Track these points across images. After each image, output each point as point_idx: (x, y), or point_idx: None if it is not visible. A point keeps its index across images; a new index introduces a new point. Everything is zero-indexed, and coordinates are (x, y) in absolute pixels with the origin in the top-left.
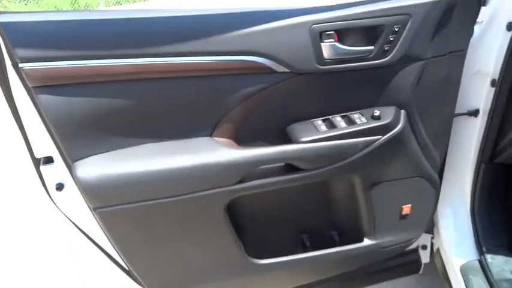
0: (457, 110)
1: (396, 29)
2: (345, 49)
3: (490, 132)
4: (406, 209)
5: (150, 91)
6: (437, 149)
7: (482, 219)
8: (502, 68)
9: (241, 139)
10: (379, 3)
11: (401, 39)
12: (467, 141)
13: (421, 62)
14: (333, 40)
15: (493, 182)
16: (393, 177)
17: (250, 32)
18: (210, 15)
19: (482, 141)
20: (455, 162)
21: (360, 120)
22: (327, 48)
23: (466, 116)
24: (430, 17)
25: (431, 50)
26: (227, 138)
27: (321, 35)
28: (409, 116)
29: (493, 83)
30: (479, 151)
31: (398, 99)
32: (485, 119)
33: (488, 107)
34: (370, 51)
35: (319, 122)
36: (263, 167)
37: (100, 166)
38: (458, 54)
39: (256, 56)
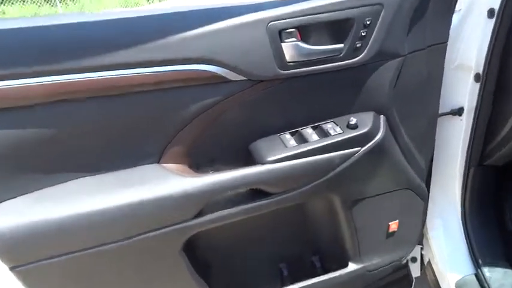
0: (440, 110)
1: (368, 22)
2: (310, 49)
3: (477, 132)
4: (394, 225)
5: (76, 114)
6: (423, 155)
7: (475, 228)
8: (485, 61)
9: (196, 163)
10: None
11: (374, 34)
12: (453, 143)
13: (399, 58)
14: (295, 39)
15: (484, 186)
16: (377, 192)
17: (194, 35)
18: (143, 18)
19: (469, 142)
20: (441, 167)
21: (334, 130)
22: (288, 49)
23: (450, 116)
24: (404, 6)
25: (409, 44)
26: (178, 163)
27: (281, 34)
28: (389, 121)
29: (477, 77)
30: (467, 153)
31: (375, 102)
32: (471, 117)
33: (474, 104)
34: (339, 50)
35: (287, 136)
36: (225, 195)
37: (16, 214)
38: (438, 48)
39: (205, 64)
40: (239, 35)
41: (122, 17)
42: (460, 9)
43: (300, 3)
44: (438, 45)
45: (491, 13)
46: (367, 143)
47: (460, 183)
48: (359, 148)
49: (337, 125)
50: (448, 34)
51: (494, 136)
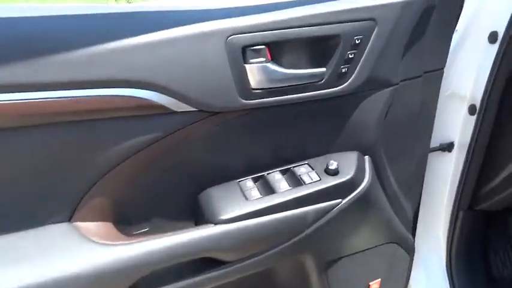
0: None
1: (357, 42)
2: (282, 73)
3: (469, 172)
4: (375, 285)
5: None
6: (410, 201)
7: (460, 278)
8: (484, 92)
9: (124, 221)
10: (331, 2)
11: (364, 56)
12: (440, 182)
13: (391, 88)
14: (263, 59)
15: (473, 232)
16: (357, 249)
17: (125, 47)
18: (49, 18)
19: (459, 183)
20: (426, 210)
21: (310, 177)
22: (254, 72)
23: (438, 152)
24: (401, 23)
25: (403, 70)
26: (99, 221)
27: (245, 52)
28: (375, 163)
29: (472, 110)
30: (456, 195)
31: (360, 140)
32: (463, 155)
33: (467, 140)
34: (320, 75)
35: (248, 183)
36: (165, 266)
37: None
38: (434, 75)
39: (139, 89)
40: (188, 50)
41: (19, 16)
42: (456, 30)
43: (272, 13)
44: (434, 72)
45: (493, 37)
46: (350, 194)
47: (447, 228)
48: (339, 200)
49: (313, 169)
50: (446, 58)
51: (489, 179)
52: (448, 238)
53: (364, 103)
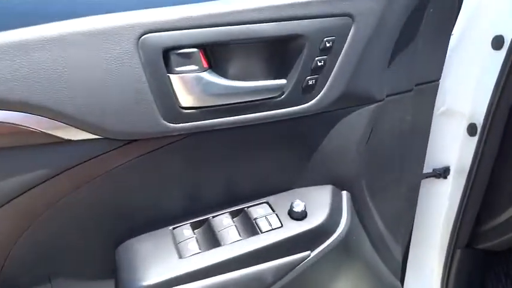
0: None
1: (328, 44)
2: (224, 86)
3: (469, 203)
4: None
5: None
6: (399, 240)
7: None
8: (488, 108)
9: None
10: None
11: (338, 64)
12: (434, 215)
13: (374, 105)
14: (196, 67)
15: (471, 274)
16: None
17: None
18: None
19: (457, 215)
20: (418, 249)
21: (268, 222)
22: (183, 84)
23: (432, 178)
24: (386, 22)
25: (390, 82)
26: None
27: (168, 57)
28: (355, 200)
29: (472, 129)
30: (453, 231)
31: (336, 171)
32: (461, 182)
33: (466, 165)
34: (278, 89)
35: (185, 231)
36: None
37: None
38: (427, 88)
39: (17, 112)
40: (79, 55)
41: None
42: (452, 34)
43: (207, 3)
44: (428, 85)
45: (498, 42)
46: (321, 243)
47: (441, 269)
48: (307, 253)
49: (274, 212)
50: (442, 68)
51: (494, 213)
52: (442, 282)
53: (339, 125)
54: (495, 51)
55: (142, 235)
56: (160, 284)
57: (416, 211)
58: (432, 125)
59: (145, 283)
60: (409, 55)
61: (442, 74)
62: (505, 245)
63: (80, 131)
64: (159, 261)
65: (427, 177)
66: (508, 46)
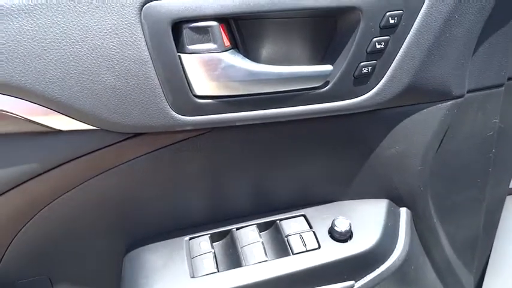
0: None
1: (392, 22)
2: (251, 71)
3: None
4: None
5: None
6: (472, 268)
7: None
8: None
9: None
10: None
11: (402, 49)
12: None
13: (450, 102)
14: (214, 46)
15: None
16: None
17: None
18: None
19: None
20: (495, 276)
21: (302, 242)
22: (198, 67)
23: None
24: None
25: (474, 75)
26: None
27: (179, 32)
28: (418, 219)
29: None
30: None
31: (394, 183)
32: None
33: None
34: (322, 78)
35: (203, 243)
36: None
37: None
38: None
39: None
40: (71, 29)
41: None
42: None
43: None
44: None
45: None
46: (371, 271)
47: None
48: (351, 283)
49: (311, 229)
50: None
51: None
52: None
53: (402, 125)
54: None
55: (154, 243)
56: None
57: (498, 234)
58: None
59: None
60: (501, 42)
61: None
62: None
63: (72, 120)
64: (168, 277)
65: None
66: None
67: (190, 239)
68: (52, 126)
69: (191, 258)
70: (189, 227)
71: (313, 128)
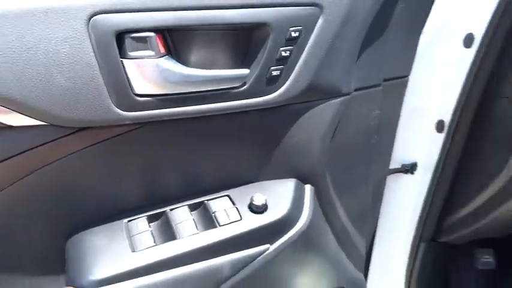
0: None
1: (294, 35)
2: (182, 74)
3: (435, 198)
4: None
5: None
6: (364, 234)
7: None
8: (456, 106)
9: None
10: None
11: (304, 56)
12: (400, 210)
13: (340, 98)
14: (152, 53)
15: (435, 267)
16: None
17: None
18: None
19: (422, 210)
20: (383, 240)
21: (227, 215)
22: (138, 70)
23: (399, 174)
24: (356, 13)
25: (358, 76)
26: None
27: (122, 41)
28: (319, 194)
29: (440, 126)
30: (418, 224)
31: (300, 165)
32: (428, 178)
33: (433, 160)
34: (241, 79)
35: (140, 224)
36: None
37: None
38: (396, 84)
39: None
40: (32, 36)
41: None
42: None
43: None
44: (397, 80)
45: (469, 40)
46: (281, 237)
47: (406, 263)
48: (267, 246)
49: (234, 205)
50: (412, 65)
51: (457, 208)
52: (407, 275)
53: (304, 118)
54: (466, 49)
55: (95, 228)
56: (111, 278)
57: (383, 206)
58: (401, 121)
59: (94, 277)
60: (379, 50)
61: (413, 71)
62: (466, 238)
63: (24, 117)
64: (111, 254)
65: (394, 173)
66: (478, 44)
67: (129, 221)
68: (4, 122)
69: (131, 236)
70: (127, 212)
71: (233, 121)
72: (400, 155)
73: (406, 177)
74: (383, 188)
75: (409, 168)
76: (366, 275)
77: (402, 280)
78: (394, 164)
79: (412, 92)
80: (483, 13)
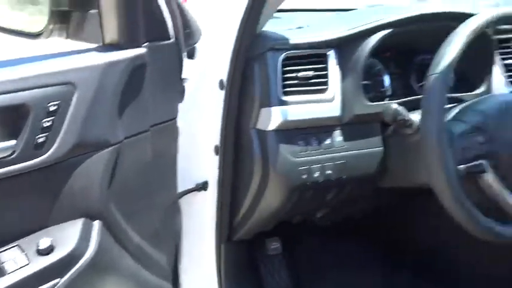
0: (186, 185)
1: (53, 108)
2: None
3: (223, 207)
4: None
5: None
6: (165, 249)
7: None
8: (222, 133)
9: None
10: (20, 67)
11: (66, 122)
12: (201, 220)
13: (110, 148)
14: None
15: (237, 262)
16: None
17: None
18: None
19: (217, 217)
20: (194, 247)
21: (15, 263)
22: None
23: (195, 192)
24: (106, 85)
25: (125, 127)
26: None
27: None
28: (109, 225)
29: (216, 150)
30: (216, 229)
31: (85, 207)
32: (216, 192)
33: (217, 177)
34: (10, 149)
35: None
36: None
37: None
38: (165, 126)
39: None
40: None
41: None
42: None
43: None
44: (166, 124)
45: (221, 84)
46: (70, 269)
47: (214, 263)
48: (57, 281)
49: (23, 251)
50: (177, 109)
51: (238, 209)
52: (217, 274)
53: (80, 169)
54: (221, 91)
55: None
56: None
57: (187, 220)
58: (187, 149)
59: None
60: (139, 102)
61: (189, 105)
62: (252, 233)
63: None
64: None
65: (191, 192)
66: (226, 87)
67: None
68: None
69: None
70: None
71: (13, 183)
72: (193, 177)
73: (201, 194)
74: (176, 208)
75: (202, 186)
76: (176, 283)
77: (215, 280)
78: (191, 184)
79: (190, 125)
80: (226, 62)
